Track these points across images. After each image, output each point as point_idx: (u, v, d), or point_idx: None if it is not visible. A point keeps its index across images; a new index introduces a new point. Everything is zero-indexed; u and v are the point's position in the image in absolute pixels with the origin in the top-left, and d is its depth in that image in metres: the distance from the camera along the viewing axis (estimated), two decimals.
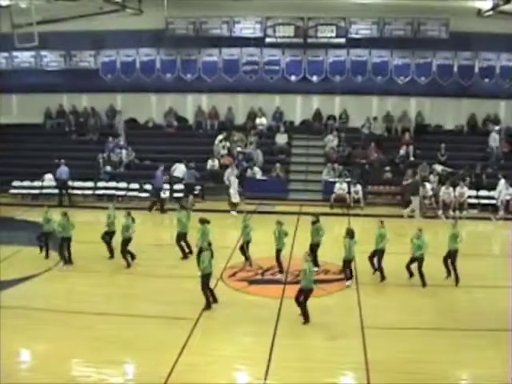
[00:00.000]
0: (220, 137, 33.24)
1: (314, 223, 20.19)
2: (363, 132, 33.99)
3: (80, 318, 16.02)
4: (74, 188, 31.58)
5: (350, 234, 19.04)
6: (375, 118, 34.22)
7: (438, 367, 13.43)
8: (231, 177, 30.12)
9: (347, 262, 19.00)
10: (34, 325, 15.47)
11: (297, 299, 15.79)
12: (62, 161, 31.32)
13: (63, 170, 31.23)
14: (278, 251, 19.92)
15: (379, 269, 19.27)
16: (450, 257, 19.13)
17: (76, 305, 17.09)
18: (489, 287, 18.13)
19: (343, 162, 32.22)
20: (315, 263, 19.01)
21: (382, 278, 19.19)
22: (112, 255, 21.21)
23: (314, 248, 19.71)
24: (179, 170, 31.31)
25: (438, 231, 26.28)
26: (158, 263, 21.00)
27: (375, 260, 19.43)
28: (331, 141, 33.03)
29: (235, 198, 29.51)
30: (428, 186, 29.31)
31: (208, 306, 16.74)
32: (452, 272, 19.09)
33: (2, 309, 16.11)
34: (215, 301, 17.03)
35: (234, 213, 28.68)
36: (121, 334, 15.04)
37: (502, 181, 29.39)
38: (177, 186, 31.14)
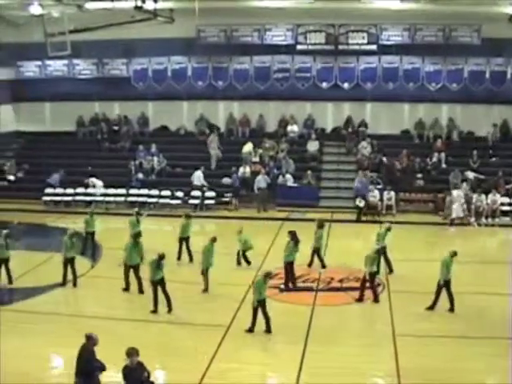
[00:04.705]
0: (247, 146, 33.22)
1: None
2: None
3: (108, 324, 16.13)
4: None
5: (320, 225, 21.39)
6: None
7: (469, 376, 13.29)
8: (458, 191, 28.83)
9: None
10: (65, 330, 15.57)
11: None
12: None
13: None
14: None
15: None
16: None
17: (105, 311, 17.26)
18: None
19: (375, 169, 32.06)
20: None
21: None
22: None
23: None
24: (197, 177, 31.39)
25: (468, 238, 26.13)
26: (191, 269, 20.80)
27: None
28: (365, 147, 32.76)
29: (457, 213, 28.22)
30: (460, 193, 28.91)
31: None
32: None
33: (34, 314, 16.33)
34: None
35: (452, 229, 27.93)
36: (152, 340, 15.07)
37: None
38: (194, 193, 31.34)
